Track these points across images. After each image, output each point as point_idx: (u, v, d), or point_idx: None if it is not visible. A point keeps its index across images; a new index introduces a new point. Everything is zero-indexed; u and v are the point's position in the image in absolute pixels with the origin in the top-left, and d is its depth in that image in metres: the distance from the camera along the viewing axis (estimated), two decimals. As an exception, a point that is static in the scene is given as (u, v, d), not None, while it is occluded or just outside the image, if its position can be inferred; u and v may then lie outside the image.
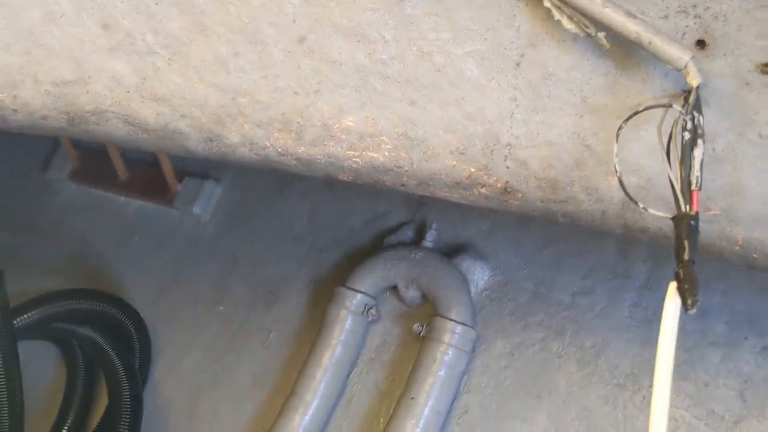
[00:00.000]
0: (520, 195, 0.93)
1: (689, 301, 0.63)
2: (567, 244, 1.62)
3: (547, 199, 0.92)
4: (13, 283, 1.64)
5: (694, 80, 0.72)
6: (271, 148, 0.94)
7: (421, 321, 1.63)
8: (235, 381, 1.78)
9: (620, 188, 0.82)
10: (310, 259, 1.87)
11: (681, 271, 0.65)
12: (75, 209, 2.21)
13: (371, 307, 1.68)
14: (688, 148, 0.71)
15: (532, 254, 1.65)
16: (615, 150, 0.76)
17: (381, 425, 1.59)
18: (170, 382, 1.83)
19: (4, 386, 1.60)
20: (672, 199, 0.74)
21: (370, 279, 1.69)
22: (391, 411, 1.58)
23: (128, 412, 1.66)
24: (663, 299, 1.51)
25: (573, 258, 1.61)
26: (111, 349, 1.72)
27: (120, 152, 2.16)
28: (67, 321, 1.74)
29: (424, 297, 1.67)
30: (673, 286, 0.66)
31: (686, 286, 0.64)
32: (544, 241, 1.64)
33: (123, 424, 1.64)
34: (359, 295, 1.67)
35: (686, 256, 0.65)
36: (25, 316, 1.66)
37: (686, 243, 0.66)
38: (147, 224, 2.11)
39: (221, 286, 1.93)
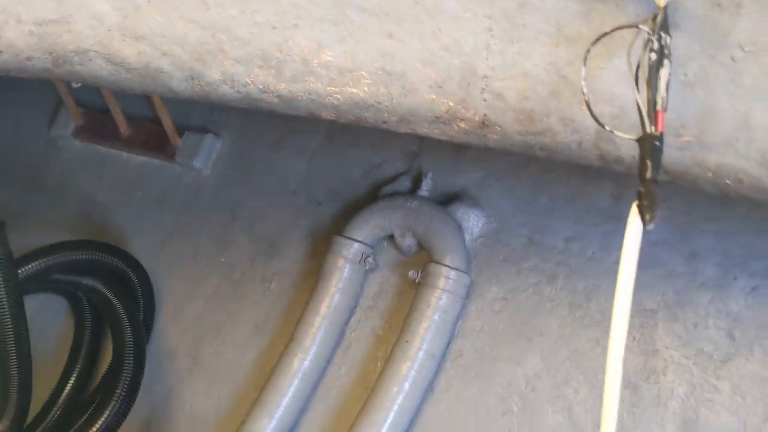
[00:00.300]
0: (498, 128, 0.94)
1: (647, 217, 0.65)
2: (561, 191, 1.62)
3: (524, 131, 0.92)
4: (20, 238, 1.68)
5: (661, 0, 0.72)
6: (252, 85, 0.95)
7: (416, 268, 1.65)
8: (237, 328, 1.82)
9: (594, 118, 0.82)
10: (309, 210, 1.89)
11: (642, 189, 0.66)
12: (79, 165, 2.24)
13: (368, 256, 1.70)
14: (655, 69, 0.71)
15: (527, 201, 1.66)
16: (583, 74, 0.76)
17: (378, 369, 1.62)
18: (174, 330, 1.87)
19: (11, 334, 1.64)
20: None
21: (366, 228, 1.71)
22: (388, 355, 1.61)
23: (132, 363, 1.70)
24: (648, 244, 1.53)
25: (566, 204, 1.61)
26: (115, 299, 1.76)
27: (122, 109, 2.18)
28: (70, 272, 1.78)
29: (420, 245, 1.69)
30: (635, 204, 0.68)
31: (645, 203, 0.65)
32: (538, 188, 1.65)
33: (126, 374, 1.69)
34: (356, 244, 1.69)
35: (648, 175, 0.66)
36: (29, 266, 1.70)
37: (649, 162, 0.67)
38: (149, 179, 2.13)
39: (222, 238, 1.96)
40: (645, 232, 1.45)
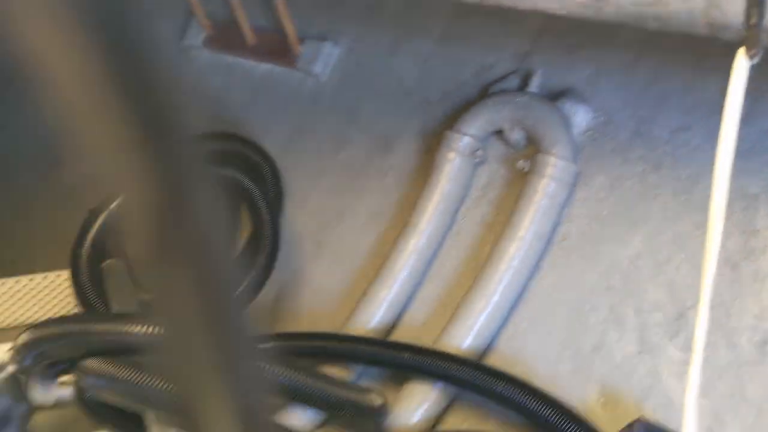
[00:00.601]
0: (613, 0, 1.03)
1: (752, 52, 0.74)
2: (669, 84, 1.68)
3: (637, 2, 1.01)
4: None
5: None
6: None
7: (525, 159, 1.76)
8: (357, 216, 2.00)
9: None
10: (422, 110, 2.02)
11: (747, 33, 0.75)
12: (210, 73, 2.44)
13: (478, 149, 1.83)
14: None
15: (635, 95, 1.72)
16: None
17: (487, 251, 1.76)
18: (300, 218, 2.07)
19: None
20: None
21: (476, 123, 1.82)
22: (496, 240, 1.74)
23: (269, 242, 1.91)
24: (757, 132, 1.56)
25: (674, 97, 1.67)
26: (253, 187, 1.96)
27: (248, 20, 2.35)
28: (210, 161, 1.99)
29: (528, 139, 1.79)
30: (740, 49, 0.77)
31: (749, 43, 0.74)
32: (647, 83, 1.71)
33: (264, 250, 1.90)
34: (466, 138, 1.81)
35: (752, 21, 0.75)
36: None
37: (754, 9, 0.76)
38: (273, 85, 2.31)
39: (340, 137, 2.13)
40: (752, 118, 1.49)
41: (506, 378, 1.46)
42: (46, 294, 2.23)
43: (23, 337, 1.29)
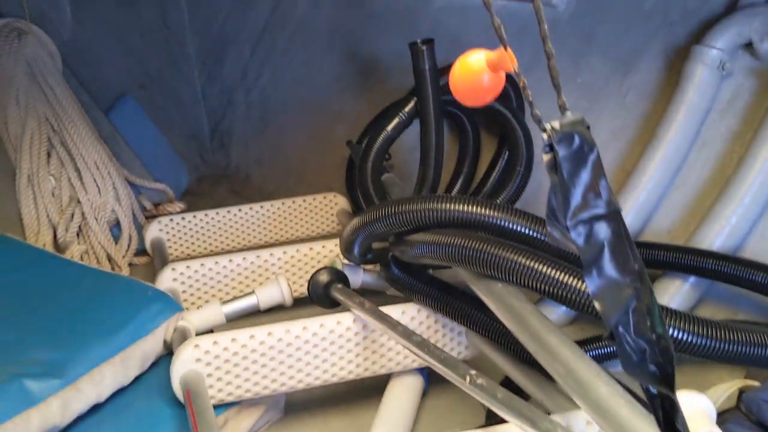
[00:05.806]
0: None
1: None
2: None
3: None
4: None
5: None
6: None
7: (776, 74, 1.78)
8: (598, 135, 2.11)
9: None
10: (663, 31, 2.08)
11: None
12: (448, 14, 2.64)
13: (725, 63, 1.87)
14: None
15: None
16: None
17: (734, 162, 1.82)
18: (536, 140, 2.24)
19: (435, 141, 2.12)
20: None
21: (725, 36, 1.86)
22: (744, 150, 1.80)
23: (522, 168, 2.13)
24: None
25: None
26: (513, 118, 2.17)
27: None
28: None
29: (780, 49, 1.81)
30: None
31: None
32: None
33: (516, 176, 2.14)
34: (714, 51, 1.86)
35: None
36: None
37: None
38: (511, 19, 2.46)
39: (578, 61, 2.24)
40: None
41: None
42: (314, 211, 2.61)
43: (348, 230, 1.60)
